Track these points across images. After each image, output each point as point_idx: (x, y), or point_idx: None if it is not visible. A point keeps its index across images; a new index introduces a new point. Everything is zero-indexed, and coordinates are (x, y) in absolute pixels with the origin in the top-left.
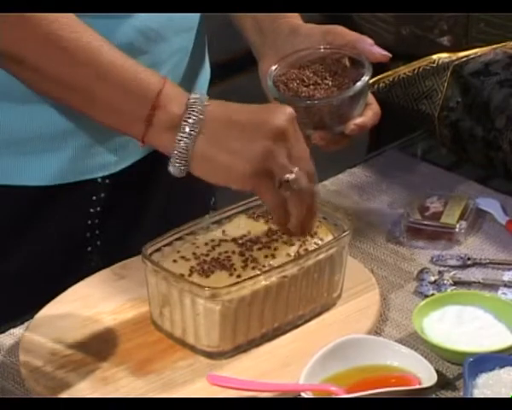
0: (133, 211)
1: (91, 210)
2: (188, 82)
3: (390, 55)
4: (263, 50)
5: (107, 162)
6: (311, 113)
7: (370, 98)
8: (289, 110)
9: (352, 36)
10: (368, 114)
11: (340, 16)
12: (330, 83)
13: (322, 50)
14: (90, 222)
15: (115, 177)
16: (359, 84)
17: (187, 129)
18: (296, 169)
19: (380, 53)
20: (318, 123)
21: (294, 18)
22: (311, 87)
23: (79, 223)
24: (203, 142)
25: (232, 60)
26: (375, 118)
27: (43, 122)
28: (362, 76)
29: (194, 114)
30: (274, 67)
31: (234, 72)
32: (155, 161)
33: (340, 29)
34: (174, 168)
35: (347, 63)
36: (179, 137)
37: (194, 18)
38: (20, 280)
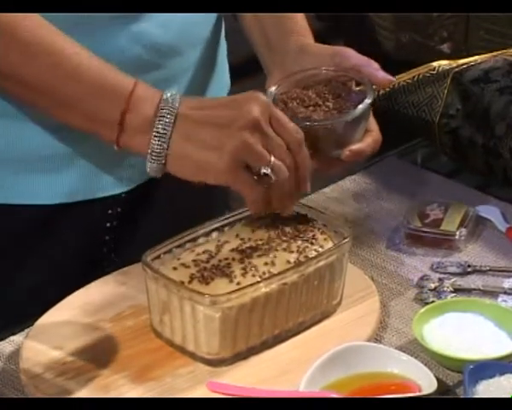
0: (150, 224)
1: (108, 225)
2: (206, 94)
3: (395, 79)
4: (271, 68)
5: (120, 180)
6: (308, 135)
7: (372, 125)
8: (262, 99)
9: (359, 59)
10: (367, 141)
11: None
12: (331, 105)
13: (327, 72)
14: (107, 237)
15: (131, 192)
16: (358, 109)
17: (160, 129)
18: (273, 160)
19: (384, 77)
20: (314, 146)
21: (304, 35)
22: (311, 108)
23: (96, 238)
24: (177, 140)
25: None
26: (375, 145)
27: (54, 141)
28: (362, 101)
29: (167, 113)
30: (274, 87)
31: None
32: (171, 176)
33: (347, 51)
34: (150, 169)
35: (353, 86)
36: (153, 139)
37: (205, 31)
38: (34, 295)
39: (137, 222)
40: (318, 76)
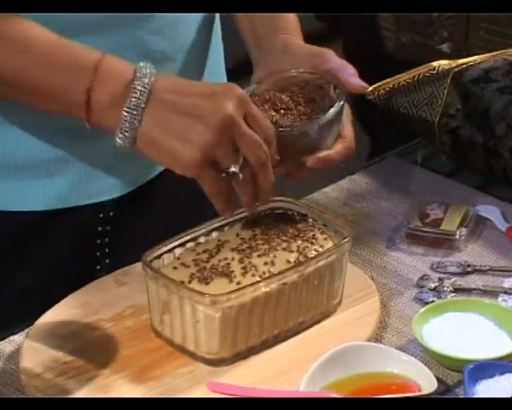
0: (143, 228)
1: (100, 229)
2: None
3: (367, 86)
4: (256, 66)
5: (111, 186)
6: (276, 140)
7: (346, 131)
8: (239, 93)
9: (336, 63)
10: (336, 148)
11: (343, 23)
12: (302, 110)
13: (304, 74)
14: (99, 241)
15: (122, 196)
16: (327, 115)
17: (131, 105)
18: (241, 161)
19: (357, 84)
20: (282, 151)
21: (292, 34)
22: (281, 112)
23: (88, 242)
24: (149, 122)
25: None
26: (346, 152)
27: (42, 147)
28: (333, 107)
29: (139, 89)
30: (251, 87)
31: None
32: (164, 179)
33: (327, 53)
34: (119, 143)
35: (331, 90)
36: (124, 113)
37: (197, 35)
38: (27, 298)
39: (130, 226)
40: (296, 78)
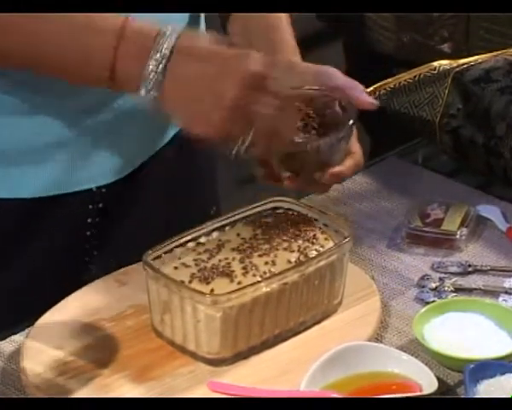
0: (132, 220)
1: (89, 220)
2: None
3: (377, 103)
4: None
5: (100, 173)
6: (288, 156)
7: (354, 146)
8: (260, 56)
9: (343, 81)
10: (347, 164)
11: (344, 23)
12: (314, 126)
13: (311, 91)
14: (89, 233)
15: (111, 186)
16: (340, 131)
17: (157, 58)
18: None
19: (367, 102)
20: (294, 167)
21: (291, 53)
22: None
23: (77, 234)
24: (174, 74)
25: None
26: (355, 169)
27: (31, 134)
28: (344, 124)
29: (164, 45)
30: None
31: None
32: (153, 169)
33: (333, 71)
34: (143, 97)
35: (336, 107)
36: (149, 68)
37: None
38: (18, 291)
39: (119, 218)
40: (302, 95)
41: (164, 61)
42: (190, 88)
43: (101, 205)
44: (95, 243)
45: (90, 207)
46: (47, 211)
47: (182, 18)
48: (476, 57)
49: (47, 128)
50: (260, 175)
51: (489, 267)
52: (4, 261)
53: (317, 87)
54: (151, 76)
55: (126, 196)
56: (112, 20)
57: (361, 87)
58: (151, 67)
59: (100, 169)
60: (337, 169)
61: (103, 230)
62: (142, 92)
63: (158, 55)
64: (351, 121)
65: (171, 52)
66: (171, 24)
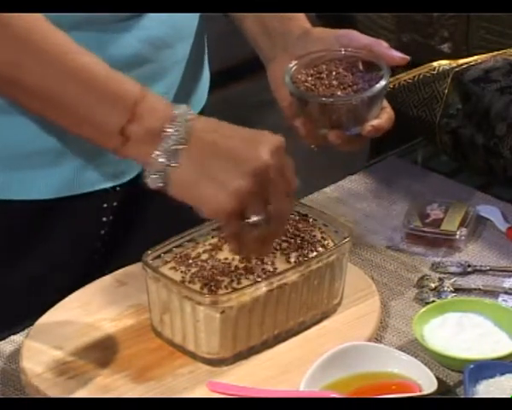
0: (144, 220)
1: (104, 219)
2: (189, 90)
3: (408, 57)
4: (273, 53)
5: (114, 173)
6: (329, 111)
7: (384, 102)
8: (276, 141)
9: (368, 40)
10: (384, 117)
11: (342, 21)
12: (348, 84)
13: (338, 53)
14: (103, 232)
15: (126, 186)
16: (378, 85)
17: (169, 143)
18: (260, 217)
19: (398, 56)
20: (335, 122)
21: (302, 21)
22: (330, 86)
23: (91, 233)
24: (185, 162)
25: (229, 68)
26: (390, 122)
27: (43, 136)
28: (380, 78)
29: (178, 129)
30: (292, 64)
31: (231, 80)
32: None
33: (354, 33)
34: (150, 181)
35: (361, 67)
36: (158, 152)
37: (193, 24)
38: (29, 291)
39: (132, 218)
40: (326, 57)
41: (176, 149)
42: (201, 171)
43: (115, 204)
44: (107, 242)
45: (105, 205)
46: (59, 211)
47: (192, 18)
48: (476, 57)
49: (59, 129)
50: (301, 133)
51: (488, 267)
52: (13, 261)
53: (341, 49)
54: (158, 167)
55: (140, 196)
56: (127, 92)
57: (386, 44)
58: (160, 160)
59: (112, 170)
60: (377, 121)
61: (116, 229)
62: (148, 178)
63: (171, 140)
64: (387, 77)
65: (186, 138)
66: (182, 107)
